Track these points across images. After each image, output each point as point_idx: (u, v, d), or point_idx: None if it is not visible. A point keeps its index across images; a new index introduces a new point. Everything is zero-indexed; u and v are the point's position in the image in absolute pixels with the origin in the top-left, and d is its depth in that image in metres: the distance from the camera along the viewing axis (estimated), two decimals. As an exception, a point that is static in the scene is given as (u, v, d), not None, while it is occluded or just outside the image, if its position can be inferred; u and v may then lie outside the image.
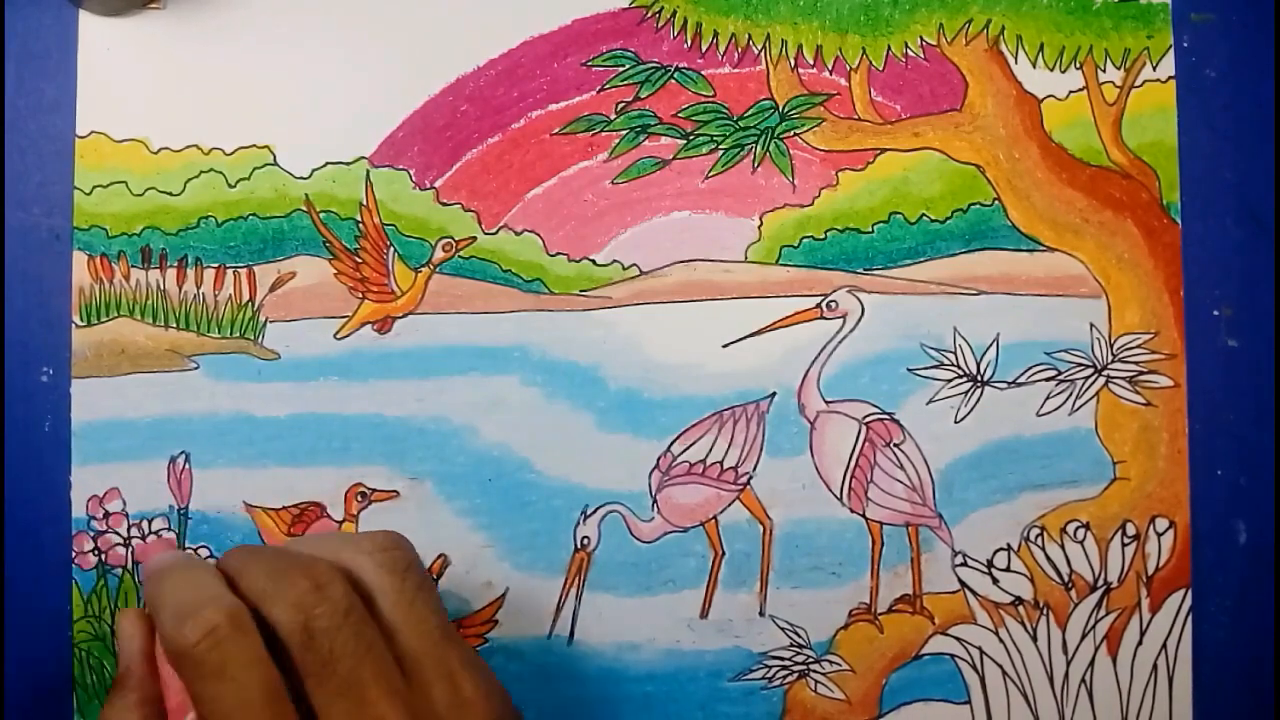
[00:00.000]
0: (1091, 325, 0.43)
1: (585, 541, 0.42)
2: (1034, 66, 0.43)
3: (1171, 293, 0.44)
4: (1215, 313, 0.44)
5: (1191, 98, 0.44)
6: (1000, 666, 0.43)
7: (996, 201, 0.43)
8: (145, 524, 0.42)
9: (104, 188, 0.42)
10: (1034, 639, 0.43)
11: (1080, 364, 0.43)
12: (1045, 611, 0.43)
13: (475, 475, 0.42)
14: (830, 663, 0.43)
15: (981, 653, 0.43)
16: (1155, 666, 0.43)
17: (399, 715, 0.32)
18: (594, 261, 0.43)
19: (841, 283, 0.43)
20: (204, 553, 0.42)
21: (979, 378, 0.43)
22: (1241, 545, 0.43)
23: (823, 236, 0.43)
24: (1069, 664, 0.43)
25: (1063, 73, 0.43)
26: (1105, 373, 0.43)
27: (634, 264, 0.43)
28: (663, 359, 0.43)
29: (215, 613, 0.31)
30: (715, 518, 0.43)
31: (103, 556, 0.41)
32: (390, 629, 0.33)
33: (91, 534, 0.41)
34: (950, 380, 0.43)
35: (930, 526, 0.43)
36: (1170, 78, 0.44)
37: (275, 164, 0.42)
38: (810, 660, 0.43)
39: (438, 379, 0.42)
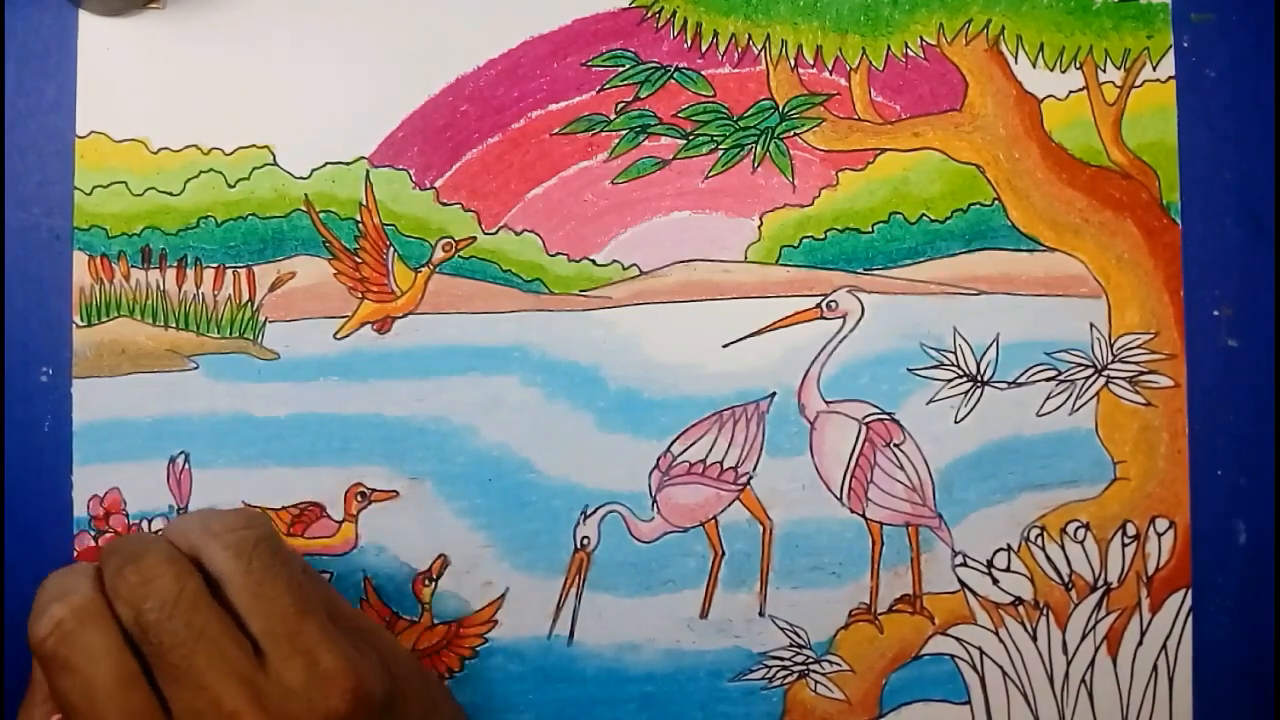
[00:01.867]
0: (1091, 325, 0.43)
1: (585, 541, 0.42)
2: (1034, 66, 0.43)
3: (1171, 293, 0.44)
4: (1215, 313, 0.44)
5: (1191, 98, 0.44)
6: (1000, 667, 0.43)
7: (996, 201, 0.43)
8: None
9: (104, 188, 0.42)
10: (1034, 639, 0.43)
11: (1080, 364, 0.43)
12: (1045, 612, 0.43)
13: (475, 475, 0.42)
14: (830, 663, 0.43)
15: (981, 653, 0.43)
16: (1155, 666, 0.43)
17: (238, 695, 0.32)
18: (594, 261, 0.43)
19: (841, 283, 0.43)
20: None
21: (979, 378, 0.43)
22: (1241, 545, 0.43)
23: (823, 236, 0.43)
24: (1069, 664, 0.43)
25: (1063, 73, 0.43)
26: (1105, 373, 0.43)
27: (634, 264, 0.43)
28: (663, 359, 0.43)
29: (60, 607, 0.32)
30: (715, 518, 0.43)
31: (103, 556, 0.41)
32: (241, 612, 0.33)
33: (92, 534, 0.41)
34: (950, 380, 0.43)
35: (930, 526, 0.43)
36: (1170, 78, 0.44)
37: (275, 164, 0.42)
38: (810, 660, 0.43)
39: (438, 379, 0.42)
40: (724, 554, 0.43)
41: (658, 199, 0.43)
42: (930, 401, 0.43)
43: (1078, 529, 0.43)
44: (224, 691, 0.32)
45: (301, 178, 0.42)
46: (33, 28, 0.42)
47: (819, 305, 0.43)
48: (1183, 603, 0.43)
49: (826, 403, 0.43)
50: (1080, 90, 0.43)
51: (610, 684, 0.42)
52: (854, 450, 0.43)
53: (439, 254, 0.42)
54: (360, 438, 0.42)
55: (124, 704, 0.32)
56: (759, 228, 0.43)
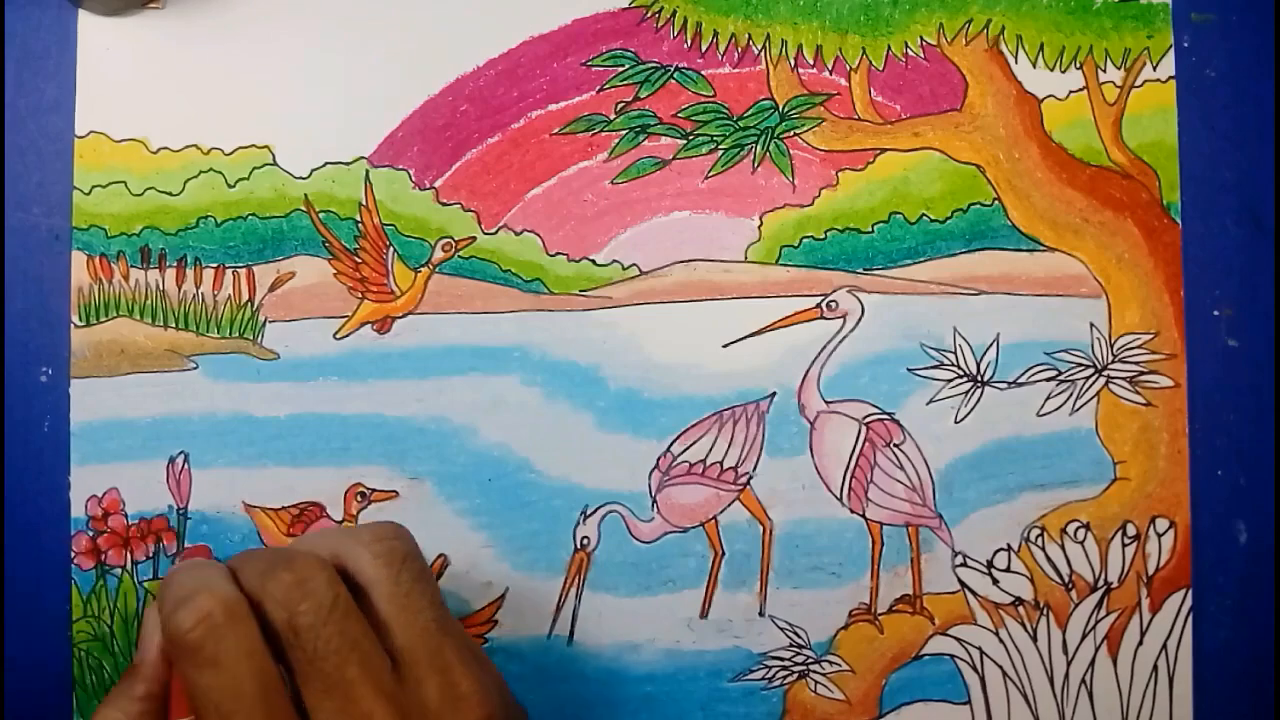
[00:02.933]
0: (1091, 325, 0.43)
1: (585, 541, 0.42)
2: (1034, 66, 0.43)
3: (1171, 293, 0.44)
4: (1215, 313, 0.44)
5: (1191, 98, 0.44)
6: (1000, 667, 0.43)
7: (996, 201, 0.43)
8: (145, 524, 0.42)
9: (103, 188, 0.42)
10: (1034, 639, 0.43)
11: (1080, 364, 0.43)
12: (1045, 612, 0.43)
13: (475, 475, 0.42)
14: (830, 663, 0.43)
15: (981, 653, 0.43)
16: (1155, 666, 0.43)
17: (386, 713, 0.31)
18: (594, 261, 0.43)
19: (841, 283, 0.43)
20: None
21: (979, 378, 0.43)
22: (1241, 545, 0.43)
23: (823, 236, 0.43)
24: (1069, 664, 0.43)
25: (1063, 73, 0.43)
26: (1105, 373, 0.43)
27: (634, 264, 0.43)
28: (663, 359, 0.43)
29: (208, 599, 0.31)
30: (715, 518, 0.43)
31: (102, 557, 0.41)
32: (384, 623, 0.33)
33: (91, 534, 0.41)
34: (950, 380, 0.43)
35: (930, 527, 0.43)
36: (1170, 78, 0.44)
37: (275, 164, 0.42)
38: (810, 660, 0.43)
39: (438, 379, 0.42)
40: (724, 554, 0.43)
41: (658, 199, 0.43)
42: (930, 401, 0.43)
43: (1078, 529, 0.43)
44: (375, 707, 0.31)
45: (301, 178, 0.42)
46: (33, 28, 0.42)
47: (819, 305, 0.43)
48: (1183, 603, 0.43)
49: (826, 403, 0.43)
50: (1080, 90, 0.43)
51: (610, 684, 0.42)
52: (854, 450, 0.43)
53: (439, 254, 0.42)
54: (360, 438, 0.42)
55: (268, 708, 0.31)
56: (759, 228, 0.43)
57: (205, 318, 0.42)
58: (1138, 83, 0.44)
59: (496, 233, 0.42)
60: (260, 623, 0.32)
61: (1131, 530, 0.43)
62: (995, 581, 0.43)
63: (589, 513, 0.42)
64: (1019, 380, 0.43)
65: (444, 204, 0.42)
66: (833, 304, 0.43)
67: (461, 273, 0.42)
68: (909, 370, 0.43)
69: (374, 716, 0.31)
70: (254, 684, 0.31)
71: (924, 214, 0.43)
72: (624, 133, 0.43)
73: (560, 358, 0.42)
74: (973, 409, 0.43)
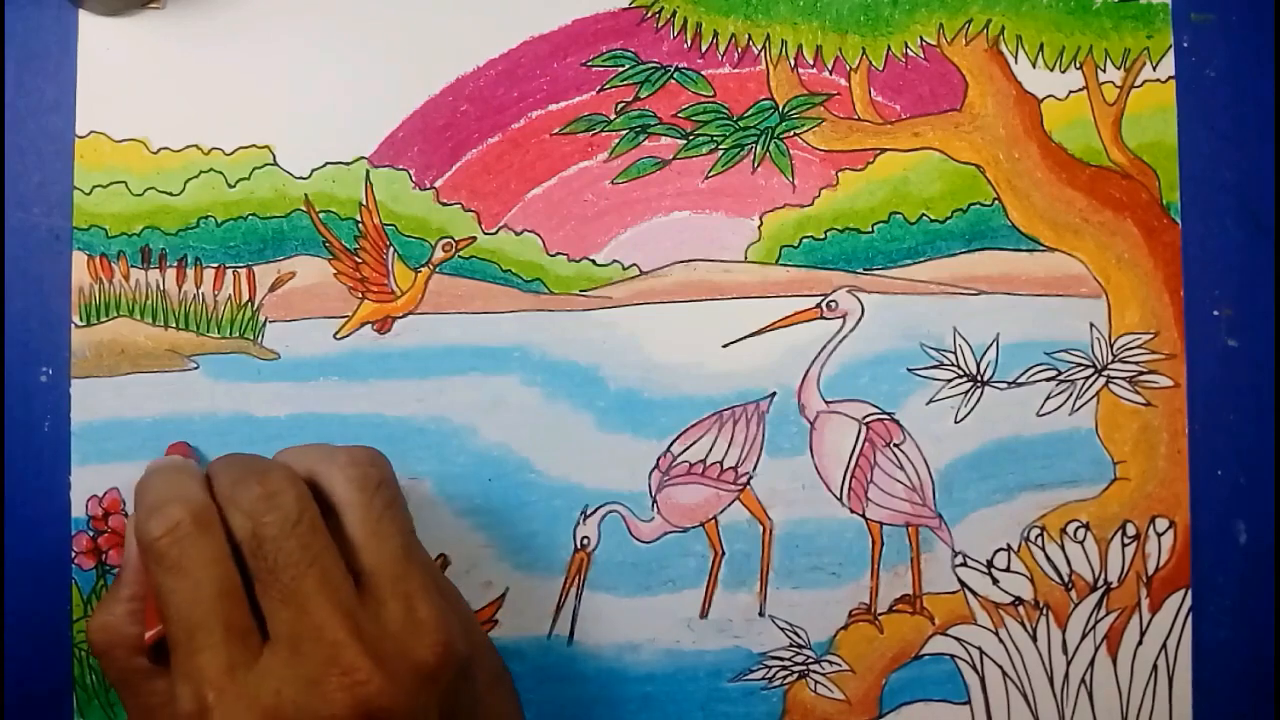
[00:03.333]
0: (1091, 325, 0.43)
1: (585, 541, 0.42)
2: (1034, 66, 0.43)
3: (1171, 293, 0.44)
4: (1215, 313, 0.44)
5: (1191, 98, 0.44)
6: (1000, 667, 0.43)
7: (996, 201, 0.43)
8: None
9: (104, 188, 0.42)
10: (1034, 639, 0.43)
11: (1080, 364, 0.43)
12: (1045, 611, 0.43)
13: (475, 475, 0.42)
14: (830, 663, 0.43)
15: (981, 653, 0.43)
16: (1155, 666, 0.43)
17: (340, 627, 0.32)
18: (594, 261, 0.43)
19: (841, 283, 0.43)
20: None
21: (979, 378, 0.43)
22: (1241, 545, 0.43)
23: (823, 236, 0.43)
24: (1069, 664, 0.43)
25: (1063, 73, 0.43)
26: (1105, 373, 0.43)
27: (634, 264, 0.43)
28: (663, 359, 0.43)
29: (179, 509, 0.32)
30: (715, 518, 0.43)
31: (102, 556, 0.41)
32: (353, 545, 0.33)
33: (91, 534, 0.41)
34: (950, 380, 0.43)
35: (930, 527, 0.43)
36: (1170, 78, 0.44)
37: (275, 164, 0.42)
38: (810, 660, 0.43)
39: (438, 379, 0.42)
40: (724, 554, 0.43)
41: (658, 199, 0.43)
42: (930, 401, 0.43)
43: (1078, 529, 0.43)
44: (328, 619, 0.32)
45: (301, 178, 0.42)
46: (33, 28, 0.42)
47: (819, 305, 0.43)
48: (1182, 603, 0.43)
49: (826, 403, 0.43)
50: (1080, 90, 0.43)
51: (610, 684, 0.42)
52: (854, 450, 0.43)
53: (439, 254, 0.42)
54: (360, 438, 0.42)
55: (225, 614, 0.32)
56: (759, 228, 0.43)
57: (206, 318, 0.42)
58: (1138, 83, 0.44)
59: (497, 233, 0.42)
60: (228, 530, 0.33)
61: (1131, 530, 0.43)
62: (995, 581, 0.43)
63: (589, 513, 0.42)
64: (1019, 380, 0.43)
65: (444, 204, 0.42)
66: (833, 304, 0.43)
67: (462, 273, 0.42)
68: (909, 370, 0.43)
69: (326, 628, 0.32)
70: (214, 590, 0.32)
71: (924, 214, 0.43)
72: (624, 133, 0.43)
73: (560, 358, 0.42)
74: (973, 409, 0.43)
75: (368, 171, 0.42)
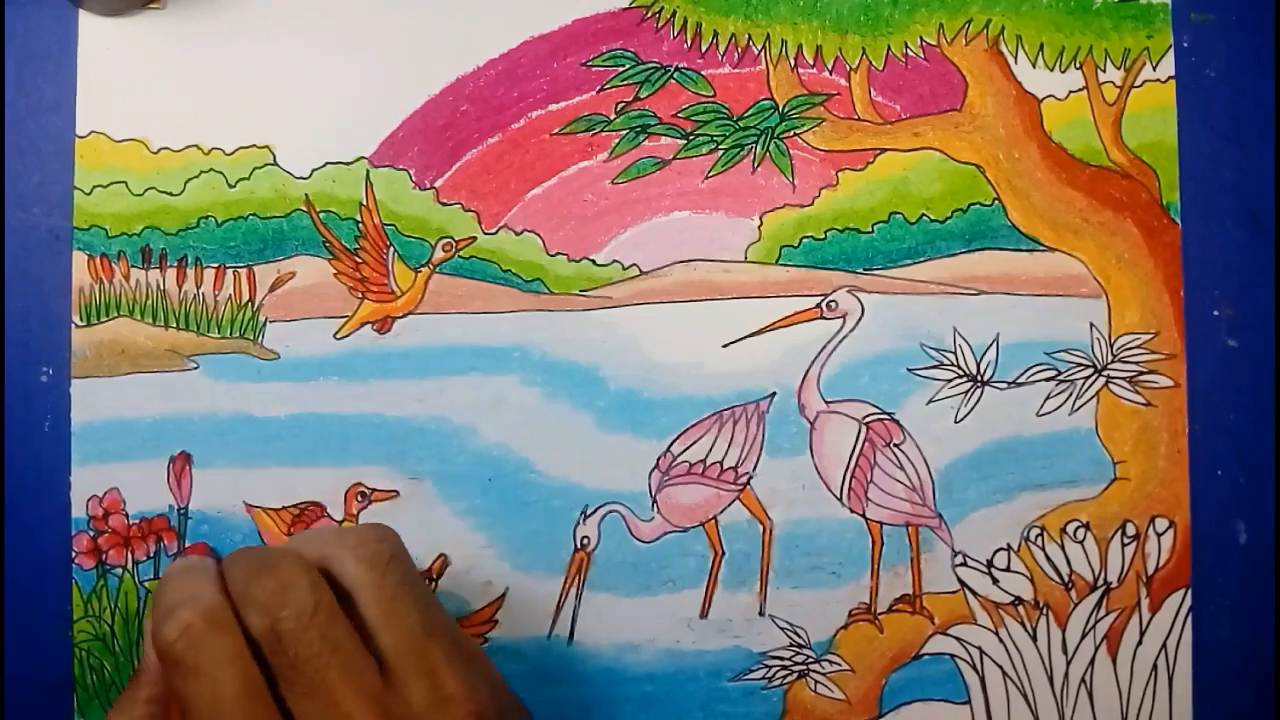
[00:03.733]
0: (1091, 325, 0.43)
1: (585, 541, 0.42)
2: (1034, 66, 0.43)
3: (1171, 293, 0.44)
4: (1215, 313, 0.44)
5: (1191, 98, 0.44)
6: (1000, 666, 0.43)
7: (996, 201, 0.43)
8: (145, 523, 0.42)
9: (104, 188, 0.42)
10: (1034, 639, 0.43)
11: (1080, 364, 0.43)
12: (1045, 611, 0.43)
13: (475, 475, 0.42)
14: (830, 663, 0.43)
15: (981, 653, 0.43)
16: (1155, 666, 0.43)
17: (369, 714, 0.31)
18: (594, 261, 0.43)
19: (841, 283, 0.43)
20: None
21: (979, 378, 0.43)
22: (1241, 545, 0.43)
23: (823, 236, 0.43)
24: (1069, 664, 0.43)
25: (1063, 73, 0.43)
26: (1105, 373, 0.43)
27: (634, 264, 0.43)
28: (663, 359, 0.43)
29: (191, 611, 0.32)
30: (715, 518, 0.43)
31: (103, 556, 0.41)
32: (370, 626, 0.33)
33: (91, 534, 0.41)
34: (950, 380, 0.43)
35: (930, 526, 0.43)
36: (1170, 78, 0.44)
37: (275, 164, 0.42)
38: (810, 660, 0.43)
39: (438, 379, 0.42)
40: (724, 554, 0.43)
41: (658, 199, 0.43)
42: (930, 401, 0.43)
43: (1078, 529, 0.43)
44: (355, 708, 0.32)
45: (301, 178, 0.42)
46: (33, 28, 0.42)
47: (819, 305, 0.43)
48: (1182, 602, 0.43)
49: (826, 403, 0.43)
50: (1080, 90, 0.43)
51: (610, 684, 0.42)
52: (854, 450, 0.43)
53: (439, 254, 0.42)
54: (360, 438, 0.42)
55: (249, 713, 0.31)
56: (759, 228, 0.43)
57: (206, 318, 0.42)
58: (1137, 83, 0.44)
59: (497, 233, 0.42)
60: (245, 628, 0.32)
61: (1131, 530, 0.43)
62: (995, 581, 0.43)
63: (589, 513, 0.42)
64: (1019, 380, 0.43)
65: (444, 204, 0.42)
66: (833, 304, 0.43)
67: (462, 273, 0.42)
68: (909, 370, 0.43)
69: (355, 717, 0.31)
70: (235, 690, 0.31)
71: (924, 214, 0.43)
72: (624, 133, 0.43)
73: (560, 358, 0.42)
74: (973, 409, 0.43)
75: (368, 171, 0.42)
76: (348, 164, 0.42)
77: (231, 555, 0.35)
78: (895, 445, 0.43)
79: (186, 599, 0.32)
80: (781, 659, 0.43)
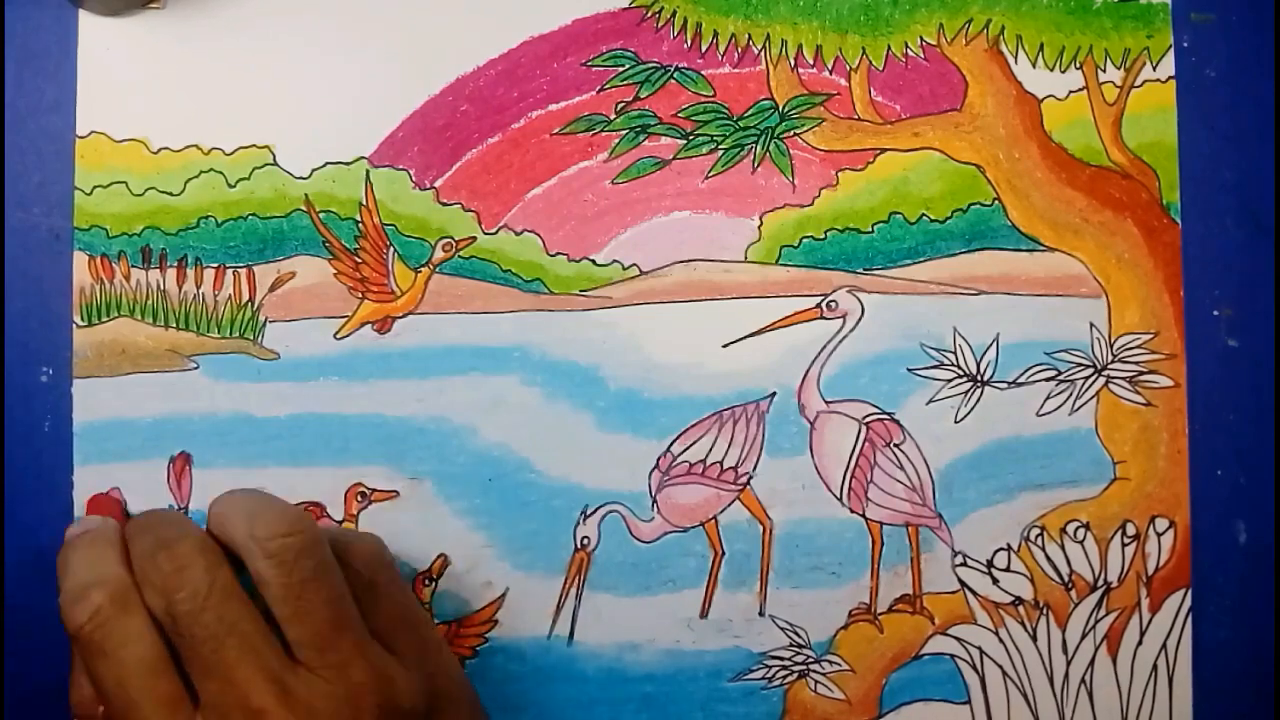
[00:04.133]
0: (1091, 325, 0.43)
1: (585, 541, 0.42)
2: (1034, 66, 0.43)
3: (1171, 293, 0.44)
4: (1215, 313, 0.44)
5: (1191, 98, 0.44)
6: (1000, 666, 0.43)
7: (996, 201, 0.43)
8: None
9: (104, 188, 0.42)
10: (1034, 639, 0.43)
11: (1080, 364, 0.43)
12: (1045, 611, 0.43)
13: (475, 475, 0.42)
14: (830, 663, 0.43)
15: (981, 653, 0.43)
16: (1155, 666, 0.43)
17: (265, 693, 0.32)
18: (594, 261, 0.43)
19: (841, 283, 0.43)
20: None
21: (979, 378, 0.43)
22: (1241, 545, 0.43)
23: (823, 236, 0.43)
24: (1069, 664, 0.43)
25: (1063, 73, 0.43)
26: (1105, 373, 0.43)
27: (634, 264, 0.43)
28: (663, 359, 0.43)
29: (99, 594, 0.33)
30: (715, 518, 0.43)
31: (103, 556, 0.41)
32: (279, 618, 0.34)
33: (91, 534, 0.41)
34: (950, 380, 0.43)
35: (930, 526, 0.43)
36: (1170, 78, 0.44)
37: (275, 164, 0.42)
38: (810, 660, 0.43)
39: (438, 379, 0.42)
40: (724, 554, 0.43)
41: (658, 199, 0.43)
42: (930, 401, 0.43)
43: (1078, 529, 0.43)
44: (252, 688, 0.32)
45: (301, 178, 0.42)
46: (33, 28, 0.42)
47: (819, 305, 0.43)
48: (1182, 603, 0.43)
49: (826, 403, 0.43)
50: (1080, 90, 0.43)
51: (610, 684, 0.42)
52: (854, 450, 0.43)
53: (439, 254, 0.42)
54: (360, 438, 0.42)
55: (153, 689, 0.32)
56: (759, 228, 0.43)
57: (206, 318, 0.42)
58: (1138, 83, 0.44)
59: (496, 233, 0.42)
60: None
61: (1131, 530, 0.43)
62: (995, 581, 0.43)
63: (589, 513, 0.42)
64: (1019, 380, 0.43)
65: (444, 204, 0.42)
66: (833, 304, 0.43)
67: (461, 273, 0.42)
68: (909, 370, 0.43)
69: (251, 696, 0.32)
70: (138, 667, 0.32)
71: (924, 214, 0.43)
72: (624, 133, 0.43)
73: (560, 358, 0.42)
74: (973, 409, 0.43)
75: (368, 171, 0.42)
76: (348, 164, 0.42)
77: (134, 523, 0.36)
78: (895, 445, 0.43)
79: (94, 579, 0.33)
80: (781, 659, 0.43)
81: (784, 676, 0.43)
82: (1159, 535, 0.43)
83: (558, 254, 0.43)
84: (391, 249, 0.42)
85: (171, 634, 0.33)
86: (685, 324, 0.43)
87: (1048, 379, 0.43)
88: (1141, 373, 0.43)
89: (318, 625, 0.33)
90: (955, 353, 0.43)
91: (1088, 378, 0.43)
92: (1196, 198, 0.44)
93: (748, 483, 0.43)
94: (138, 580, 0.33)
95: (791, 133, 0.43)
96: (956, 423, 0.43)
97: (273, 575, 0.34)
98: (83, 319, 0.42)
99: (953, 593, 0.43)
